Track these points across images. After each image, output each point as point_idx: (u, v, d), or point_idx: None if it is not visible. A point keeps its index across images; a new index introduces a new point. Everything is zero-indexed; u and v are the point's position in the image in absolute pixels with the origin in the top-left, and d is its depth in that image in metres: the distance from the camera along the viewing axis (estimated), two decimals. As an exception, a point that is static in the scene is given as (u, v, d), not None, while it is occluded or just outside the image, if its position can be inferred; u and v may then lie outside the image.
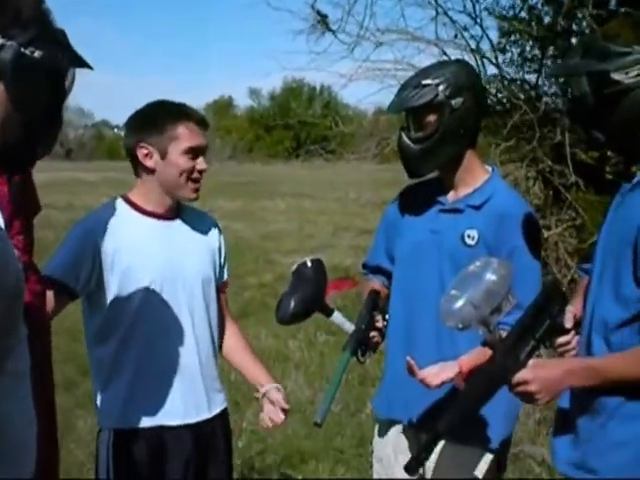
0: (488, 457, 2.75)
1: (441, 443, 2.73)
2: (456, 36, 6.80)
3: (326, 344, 7.60)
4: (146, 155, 2.70)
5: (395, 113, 2.94)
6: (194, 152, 2.72)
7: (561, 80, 6.19)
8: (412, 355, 2.64)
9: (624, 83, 2.06)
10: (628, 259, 2.08)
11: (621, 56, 2.07)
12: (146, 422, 2.69)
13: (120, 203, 2.78)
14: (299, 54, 7.71)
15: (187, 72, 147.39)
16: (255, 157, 54.93)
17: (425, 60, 2.87)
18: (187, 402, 2.76)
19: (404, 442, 2.87)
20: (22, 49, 1.56)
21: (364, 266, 3.16)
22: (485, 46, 6.86)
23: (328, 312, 2.84)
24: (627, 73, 2.06)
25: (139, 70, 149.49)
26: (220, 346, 3.00)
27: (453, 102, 2.67)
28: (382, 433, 2.95)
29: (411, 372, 2.59)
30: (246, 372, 3.02)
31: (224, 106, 73.08)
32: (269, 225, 18.07)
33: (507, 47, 7.48)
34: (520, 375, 2.09)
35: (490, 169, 2.87)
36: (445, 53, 6.60)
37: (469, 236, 2.73)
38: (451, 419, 2.10)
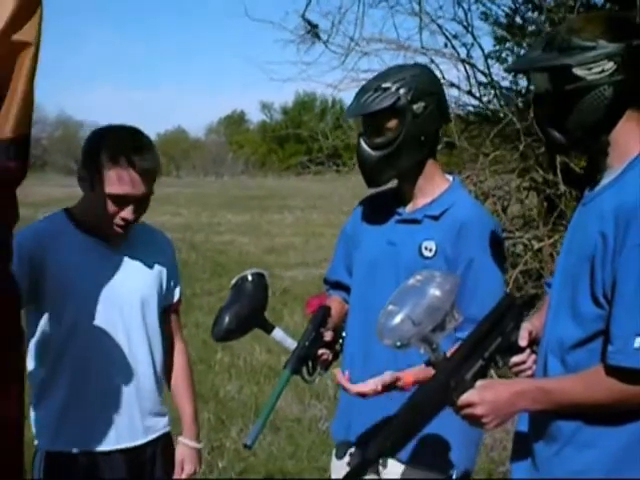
0: (450, 484, 2.61)
1: (402, 468, 2.63)
2: (446, 45, 6.71)
3: (318, 360, 7.50)
4: (82, 180, 2.59)
5: (354, 117, 2.81)
6: (119, 200, 2.54)
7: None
8: (369, 373, 2.52)
9: (586, 79, 1.91)
10: (585, 276, 1.92)
11: (584, 50, 1.90)
12: (77, 446, 2.58)
13: (62, 217, 2.66)
14: (288, 65, 7.58)
15: (197, 85, 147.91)
16: (267, 171, 54.94)
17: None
18: (120, 426, 2.64)
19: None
20: None
21: (325, 282, 3.04)
22: (476, 54, 6.76)
23: (268, 328, 2.72)
24: (590, 69, 1.90)
25: (151, 83, 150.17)
26: (171, 368, 2.90)
27: (415, 107, 2.55)
28: (340, 456, 2.82)
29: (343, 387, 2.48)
30: (178, 408, 2.92)
31: (236, 120, 73.20)
32: (274, 239, 17.97)
33: (502, 55, 7.36)
34: (465, 397, 1.92)
35: (451, 178, 2.75)
36: (433, 62, 6.51)
37: (427, 248, 2.60)
38: (382, 444, 1.94)
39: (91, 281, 2.59)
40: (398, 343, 1.97)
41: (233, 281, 2.75)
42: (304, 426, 5.88)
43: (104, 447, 2.60)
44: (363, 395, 2.44)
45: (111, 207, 2.54)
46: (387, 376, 2.43)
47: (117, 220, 2.56)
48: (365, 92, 2.60)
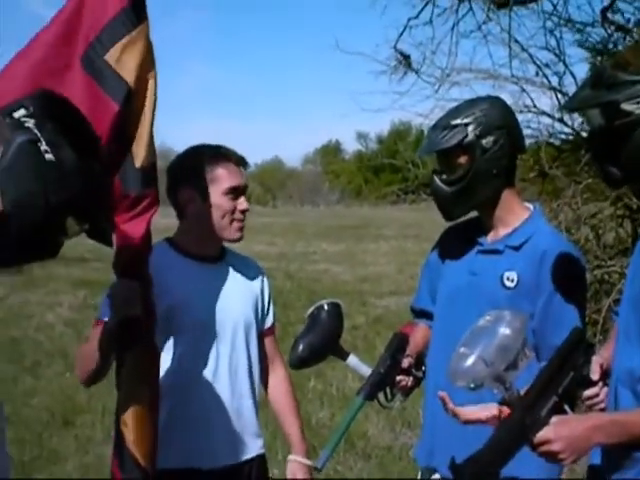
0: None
1: None
2: (537, 74, 6.69)
3: (409, 388, 7.50)
4: (188, 200, 2.73)
5: (425, 155, 2.89)
6: (234, 192, 2.73)
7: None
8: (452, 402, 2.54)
9: (635, 113, 1.93)
10: None
11: (631, 85, 1.93)
12: (175, 463, 2.67)
13: (164, 245, 2.81)
14: (379, 95, 7.66)
15: (293, 116, 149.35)
16: (363, 200, 55.04)
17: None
18: (218, 446, 2.75)
19: None
20: (39, 142, 1.54)
21: (411, 310, 3.10)
22: (568, 81, 6.70)
23: (343, 356, 2.80)
24: (638, 103, 1.92)
25: (248, 114, 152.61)
26: (266, 390, 3.01)
27: (484, 142, 2.60)
28: (424, 481, 2.86)
29: (444, 406, 2.48)
30: (283, 426, 3.02)
31: (332, 150, 73.76)
32: (368, 267, 18.01)
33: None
34: (542, 434, 1.94)
35: (532, 207, 2.78)
36: (524, 90, 6.51)
37: (508, 278, 2.63)
38: None
39: (199, 304, 2.73)
40: (472, 385, 2.01)
41: (309, 311, 2.85)
42: (395, 454, 5.90)
43: (205, 465, 2.71)
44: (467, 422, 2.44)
45: (229, 203, 2.72)
46: (488, 410, 2.44)
47: (237, 215, 2.74)
48: (435, 130, 2.68)
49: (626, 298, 2.11)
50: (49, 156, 1.53)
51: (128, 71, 2.26)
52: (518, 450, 1.98)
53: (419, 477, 2.91)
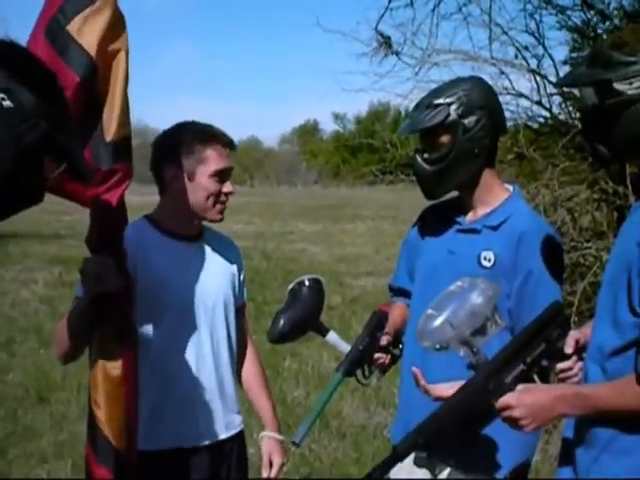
0: (498, 486, 2.64)
1: (447, 470, 2.68)
2: (517, 56, 6.70)
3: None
4: (174, 176, 2.71)
5: (407, 134, 2.89)
6: (221, 175, 2.72)
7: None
8: (427, 379, 2.56)
9: (627, 94, 1.94)
10: (623, 284, 1.96)
11: (625, 65, 1.94)
12: (165, 444, 2.68)
13: (144, 223, 2.79)
14: (360, 75, 7.61)
15: (271, 95, 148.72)
16: (340, 181, 55.04)
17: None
18: (204, 423, 2.76)
19: (419, 469, 2.78)
20: None
21: (389, 288, 3.11)
22: (547, 64, 6.71)
23: (323, 332, 2.82)
24: (631, 83, 1.93)
25: (225, 93, 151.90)
26: (240, 368, 3.01)
27: (466, 121, 2.62)
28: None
29: (416, 383, 2.50)
30: (255, 404, 3.03)
31: (310, 130, 73.63)
32: (346, 248, 18.06)
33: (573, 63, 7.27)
34: (504, 399, 2.00)
35: (511, 188, 2.80)
36: (503, 72, 6.52)
37: (485, 258, 2.66)
38: (414, 439, 2.03)
39: (179, 282, 2.72)
40: (437, 345, 2.09)
41: (290, 286, 2.87)
42: (369, 433, 5.95)
43: (189, 443, 2.72)
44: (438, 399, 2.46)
45: (214, 186, 2.71)
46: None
47: (221, 197, 2.73)
48: (418, 109, 2.70)
49: (605, 277, 2.14)
50: (6, 103, 1.52)
51: (90, 42, 2.20)
52: (478, 412, 2.04)
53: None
